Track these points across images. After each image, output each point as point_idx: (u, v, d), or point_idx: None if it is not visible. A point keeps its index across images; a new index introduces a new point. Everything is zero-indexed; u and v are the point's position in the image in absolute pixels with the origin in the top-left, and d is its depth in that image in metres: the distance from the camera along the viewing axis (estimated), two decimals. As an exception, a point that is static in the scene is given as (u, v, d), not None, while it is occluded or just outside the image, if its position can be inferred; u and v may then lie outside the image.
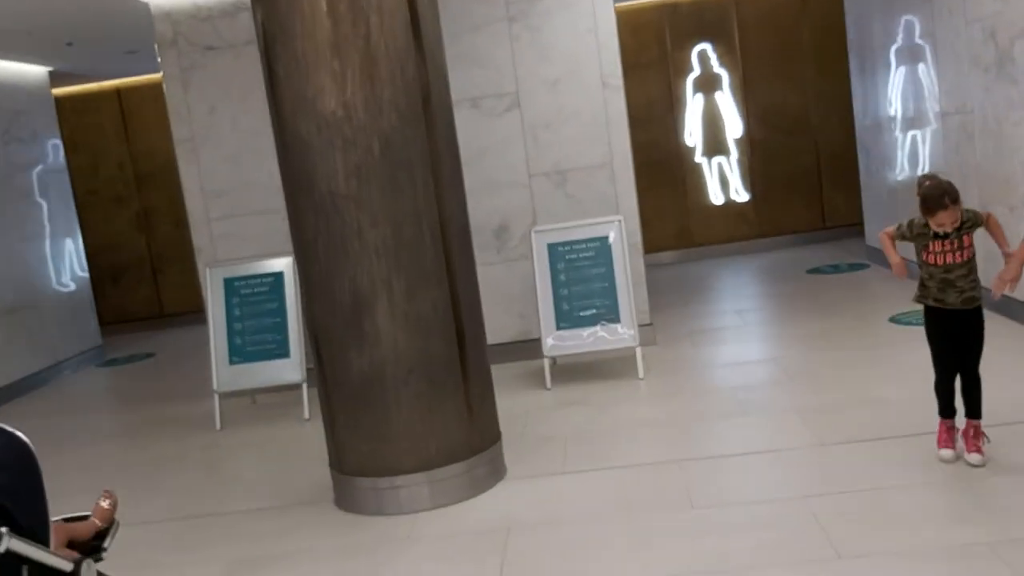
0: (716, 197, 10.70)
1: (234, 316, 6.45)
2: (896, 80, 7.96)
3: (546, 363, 6.26)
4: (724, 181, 10.68)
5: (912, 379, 4.84)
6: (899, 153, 8.09)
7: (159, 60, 7.08)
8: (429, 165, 4.26)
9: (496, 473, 4.61)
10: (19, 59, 9.05)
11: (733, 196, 10.68)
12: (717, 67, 10.52)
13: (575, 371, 6.50)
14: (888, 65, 8.07)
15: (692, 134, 10.63)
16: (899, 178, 8.17)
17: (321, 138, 4.14)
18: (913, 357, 4.87)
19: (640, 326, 6.51)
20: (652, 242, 10.42)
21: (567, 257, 6.40)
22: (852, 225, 10.18)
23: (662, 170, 10.64)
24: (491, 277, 6.97)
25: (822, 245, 10.33)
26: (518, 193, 6.96)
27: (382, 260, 4.19)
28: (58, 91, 11.01)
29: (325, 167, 4.15)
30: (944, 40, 6.80)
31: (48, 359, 9.05)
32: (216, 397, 6.39)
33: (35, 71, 9.50)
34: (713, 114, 10.61)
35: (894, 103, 8.08)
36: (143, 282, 11.41)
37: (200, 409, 6.59)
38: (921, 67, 7.34)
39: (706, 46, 10.49)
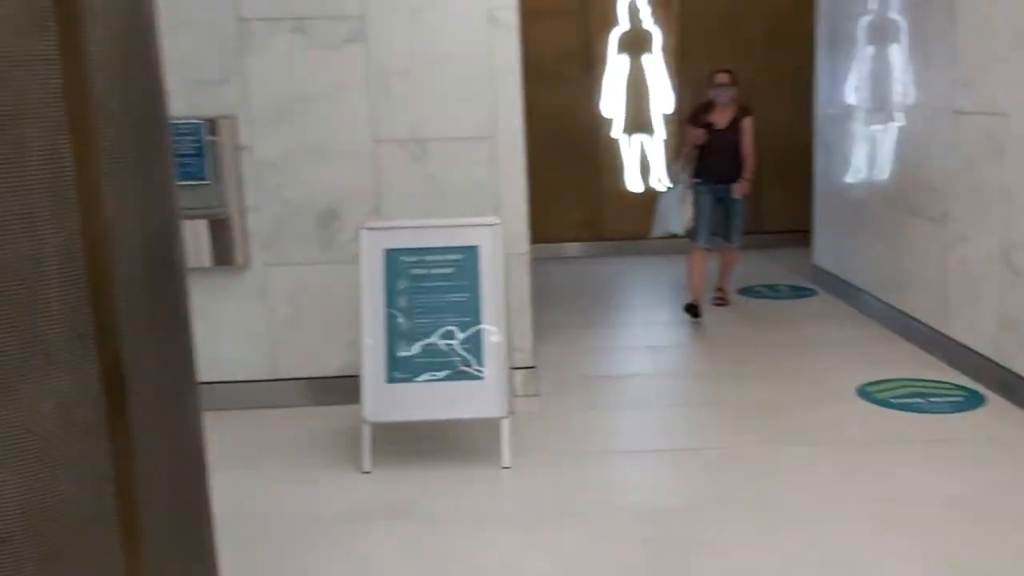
0: (635, 184, 8.65)
1: None
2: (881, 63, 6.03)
3: (365, 432, 4.16)
4: (645, 166, 8.61)
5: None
6: (875, 150, 6.21)
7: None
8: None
9: None
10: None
11: (654, 185, 8.55)
12: (648, 24, 8.37)
13: (416, 439, 4.42)
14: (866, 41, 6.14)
15: (609, 105, 8.50)
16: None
17: None
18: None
19: (519, 368, 4.65)
20: (553, 231, 8.34)
21: (413, 272, 4.28)
22: (795, 232, 8.25)
23: (571, 143, 8.53)
24: (312, 280, 4.87)
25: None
26: (357, 166, 4.80)
27: None
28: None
29: None
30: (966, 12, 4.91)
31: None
32: None
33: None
34: (639, 82, 8.48)
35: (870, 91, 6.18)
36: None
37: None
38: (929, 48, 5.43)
39: (638, -5, 8.36)
